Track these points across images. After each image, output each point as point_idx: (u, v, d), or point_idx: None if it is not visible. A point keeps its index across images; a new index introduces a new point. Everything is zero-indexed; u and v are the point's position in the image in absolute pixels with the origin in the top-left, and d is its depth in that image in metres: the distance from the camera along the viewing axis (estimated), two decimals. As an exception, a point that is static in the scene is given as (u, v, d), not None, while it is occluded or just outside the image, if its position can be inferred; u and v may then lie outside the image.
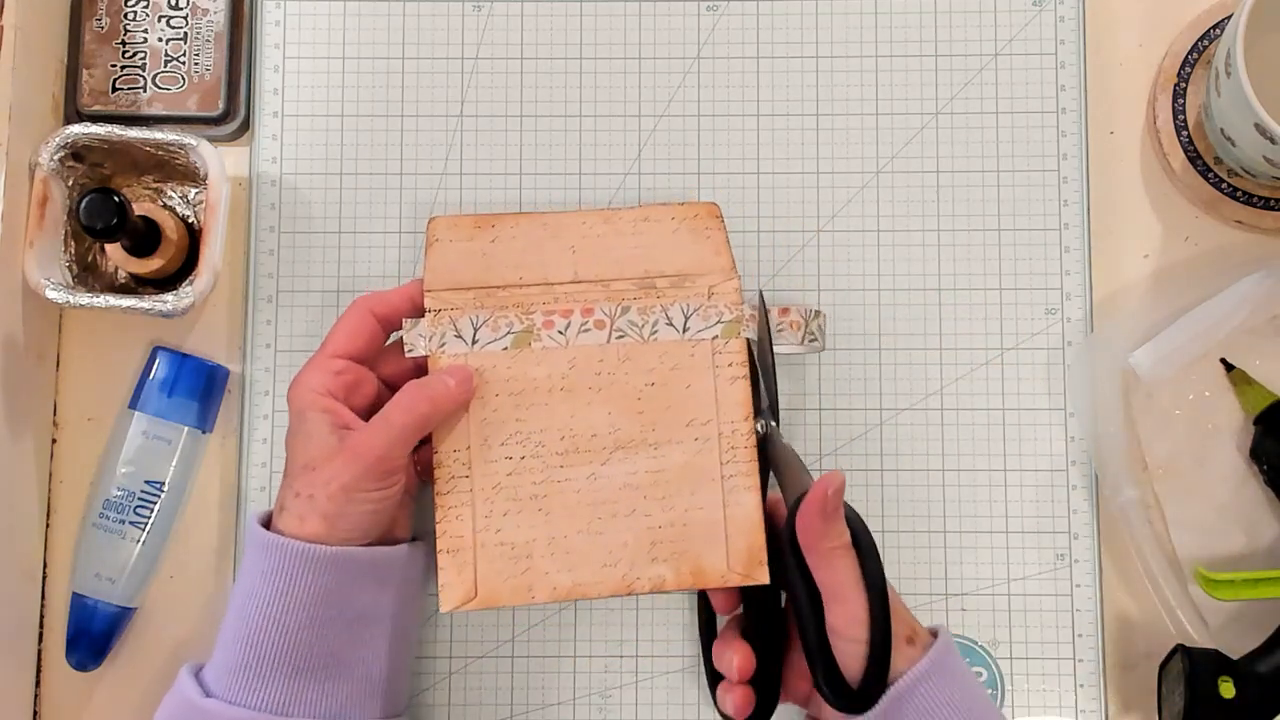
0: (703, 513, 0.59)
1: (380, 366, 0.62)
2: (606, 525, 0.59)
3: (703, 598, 0.64)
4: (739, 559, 0.59)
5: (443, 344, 0.60)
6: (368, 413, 0.59)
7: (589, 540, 0.59)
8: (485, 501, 0.59)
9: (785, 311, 0.64)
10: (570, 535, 0.59)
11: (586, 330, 0.60)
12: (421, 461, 0.62)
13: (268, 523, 0.58)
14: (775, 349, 0.64)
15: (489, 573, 0.59)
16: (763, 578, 0.58)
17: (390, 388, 0.61)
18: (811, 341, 0.65)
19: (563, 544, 0.59)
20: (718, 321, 0.60)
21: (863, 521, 0.57)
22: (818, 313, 0.65)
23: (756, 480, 0.59)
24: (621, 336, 0.60)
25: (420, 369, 0.61)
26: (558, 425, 0.60)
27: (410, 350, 0.60)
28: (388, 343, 0.63)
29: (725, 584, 0.59)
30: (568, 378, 0.60)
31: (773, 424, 0.62)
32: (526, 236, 0.62)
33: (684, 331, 0.60)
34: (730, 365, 0.60)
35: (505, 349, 0.60)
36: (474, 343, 0.60)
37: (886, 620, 0.54)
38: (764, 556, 0.59)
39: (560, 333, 0.60)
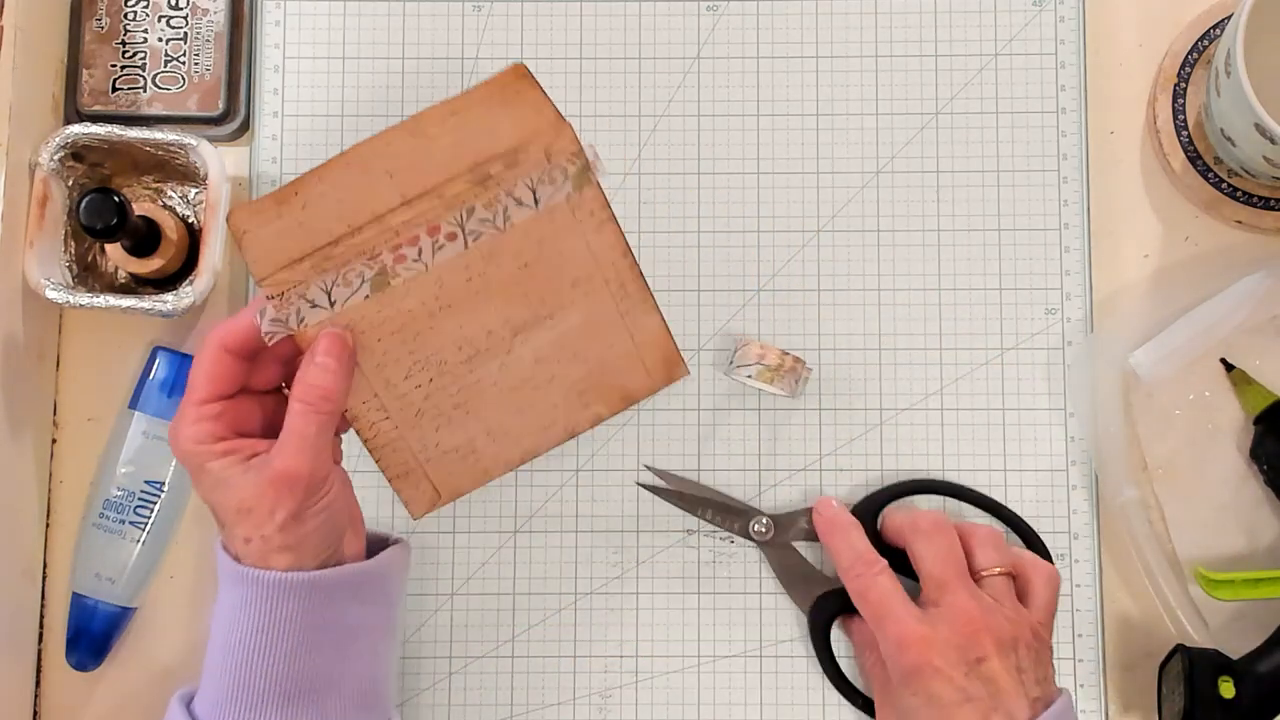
0: (613, 349, 0.62)
1: (257, 379, 0.58)
2: (532, 398, 0.62)
3: (815, 608, 0.67)
4: (657, 368, 0.64)
5: (302, 319, 0.57)
6: (264, 427, 0.57)
7: (521, 416, 0.62)
8: (413, 430, 0.61)
9: (764, 354, 0.66)
10: (503, 420, 0.62)
11: (441, 248, 0.58)
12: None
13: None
14: (743, 379, 0.66)
15: (442, 475, 0.63)
16: (683, 373, 0.65)
17: (279, 393, 0.59)
18: (780, 384, 0.66)
19: (499, 429, 0.62)
20: (565, 179, 0.58)
21: None
22: (800, 363, 0.66)
23: (651, 300, 0.62)
24: (477, 237, 0.58)
25: (296, 353, 0.58)
26: (451, 340, 0.60)
27: (272, 338, 0.56)
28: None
29: (652, 391, 0.64)
30: (441, 296, 0.59)
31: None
32: (337, 184, 0.58)
33: (537, 205, 0.58)
34: (592, 214, 0.59)
35: (367, 297, 0.58)
36: (333, 304, 0.57)
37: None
38: (679, 356, 0.64)
39: (415, 260, 0.58)
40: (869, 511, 0.66)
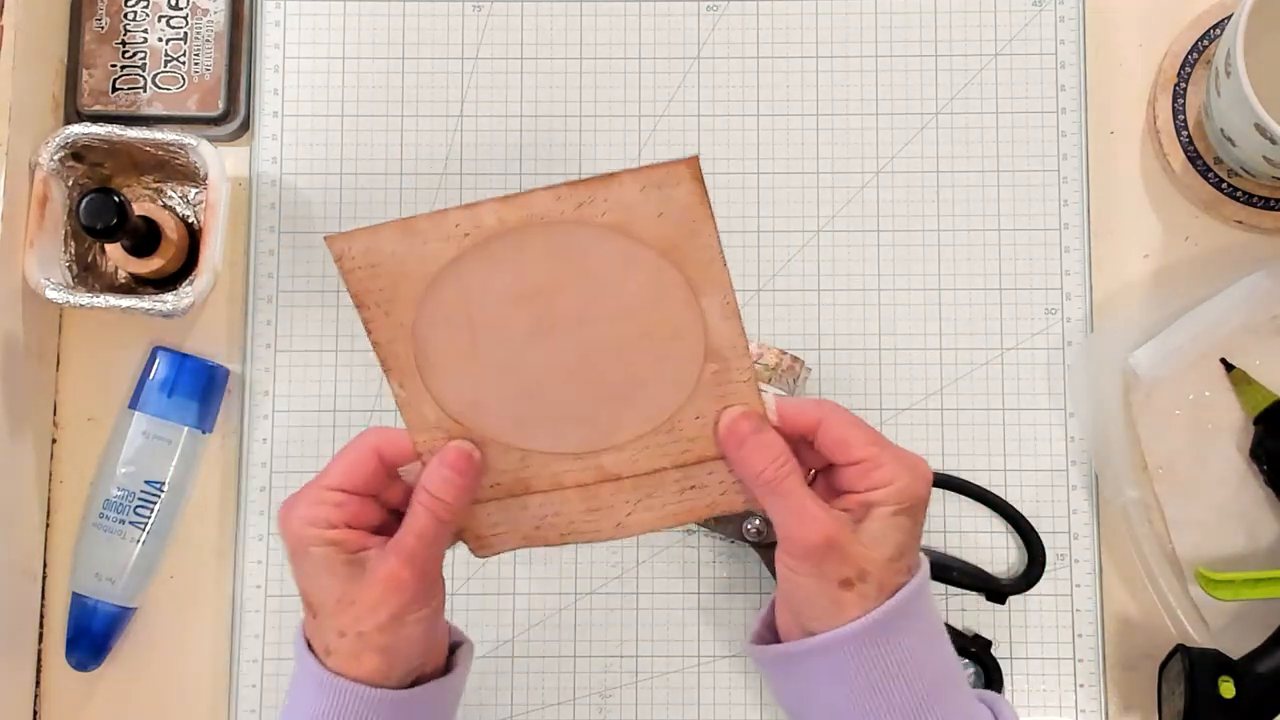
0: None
1: (389, 493, 0.55)
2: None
3: None
4: None
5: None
6: (378, 532, 0.54)
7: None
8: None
9: (762, 353, 0.65)
10: None
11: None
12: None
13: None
14: None
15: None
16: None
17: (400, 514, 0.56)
18: (779, 383, 0.65)
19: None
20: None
21: None
22: (799, 362, 0.65)
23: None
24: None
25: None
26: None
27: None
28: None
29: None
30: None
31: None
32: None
33: None
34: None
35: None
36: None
37: None
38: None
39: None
40: None
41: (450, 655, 0.56)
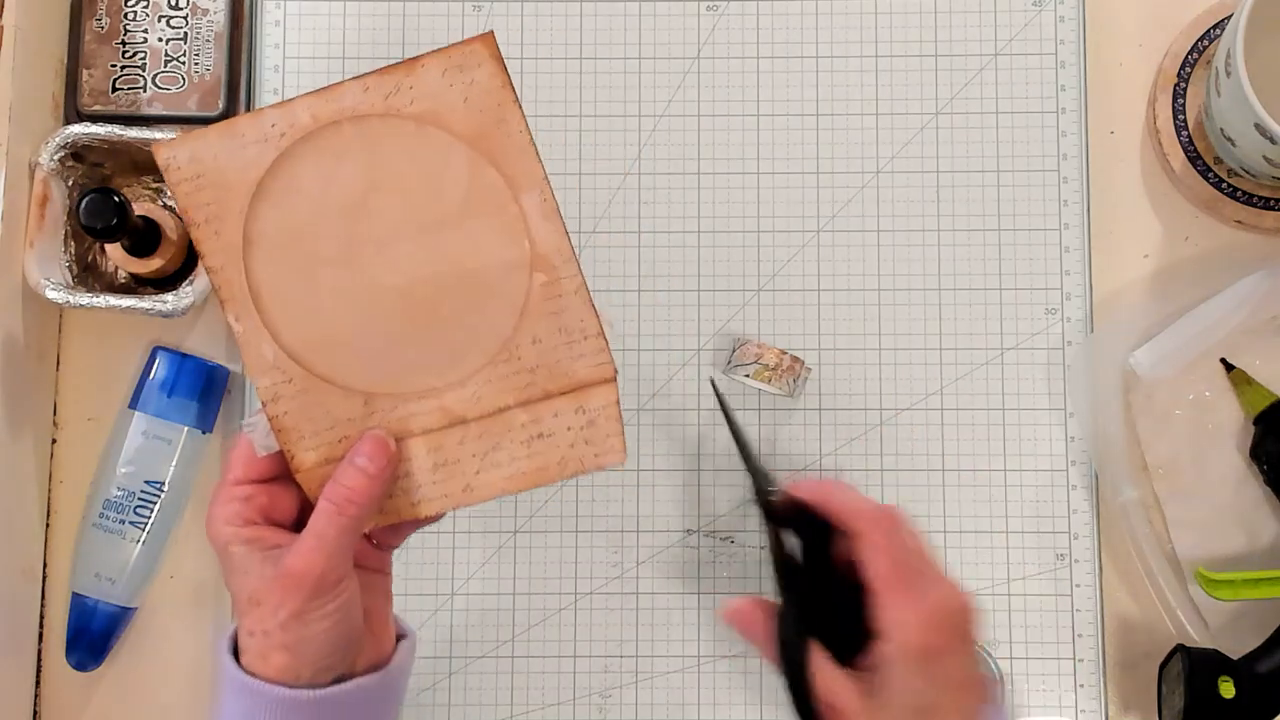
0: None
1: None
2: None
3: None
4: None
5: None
6: (299, 520, 0.54)
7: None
8: None
9: (762, 353, 0.64)
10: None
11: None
12: (375, 535, 0.56)
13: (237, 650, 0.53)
14: (741, 379, 0.64)
15: None
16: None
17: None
18: (778, 383, 0.65)
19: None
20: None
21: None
22: (799, 362, 0.65)
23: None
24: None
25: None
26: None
27: (265, 451, 0.52)
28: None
29: None
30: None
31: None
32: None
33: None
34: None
35: None
36: None
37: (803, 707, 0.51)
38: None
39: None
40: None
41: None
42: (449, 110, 0.49)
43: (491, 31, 0.48)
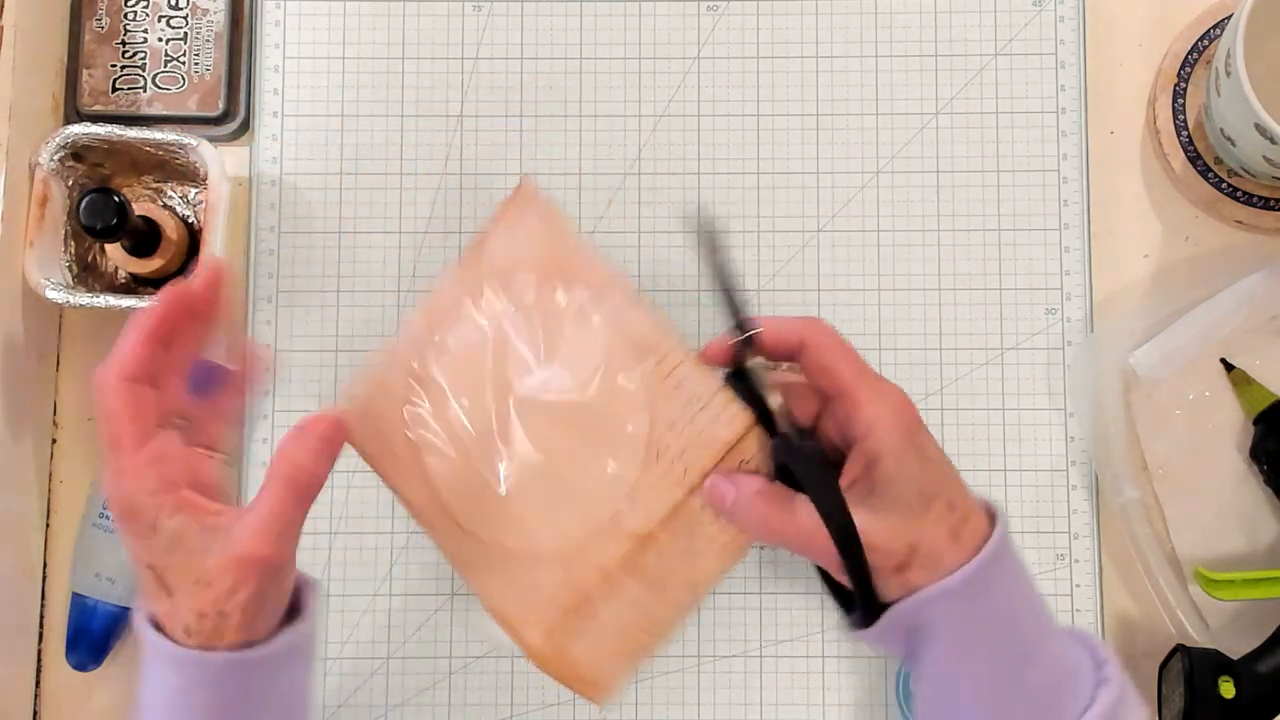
0: None
1: (166, 404, 0.51)
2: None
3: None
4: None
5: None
6: (195, 481, 0.50)
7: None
8: None
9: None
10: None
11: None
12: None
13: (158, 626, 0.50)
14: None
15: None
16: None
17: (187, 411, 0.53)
18: None
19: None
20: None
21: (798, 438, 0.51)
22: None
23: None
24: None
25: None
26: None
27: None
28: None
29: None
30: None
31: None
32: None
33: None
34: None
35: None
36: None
37: (856, 548, 0.49)
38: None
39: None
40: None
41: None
42: (526, 261, 0.54)
43: (526, 179, 0.53)
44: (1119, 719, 0.49)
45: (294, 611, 0.52)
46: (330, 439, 0.50)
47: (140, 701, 0.50)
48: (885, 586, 0.50)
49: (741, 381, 0.53)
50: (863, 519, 0.49)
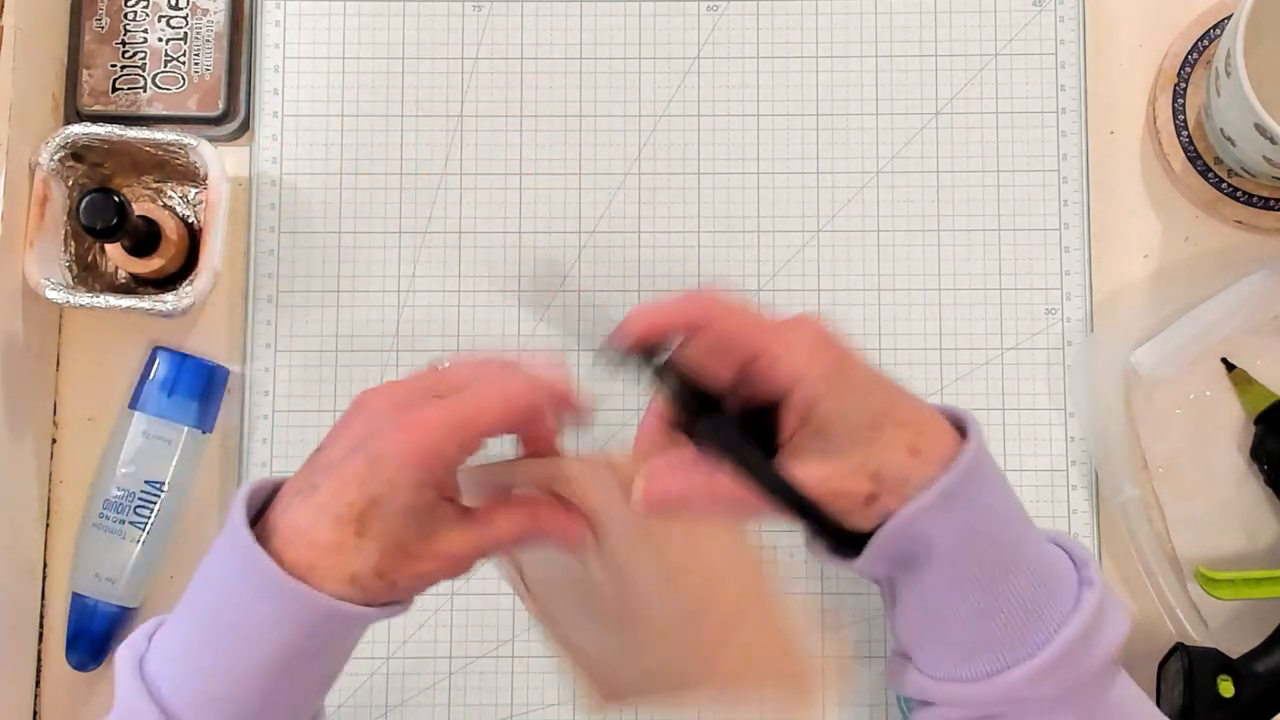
0: None
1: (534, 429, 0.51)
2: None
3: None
4: None
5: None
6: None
7: None
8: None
9: None
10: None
11: None
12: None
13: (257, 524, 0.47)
14: None
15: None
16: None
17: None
18: None
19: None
20: None
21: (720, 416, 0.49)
22: None
23: None
24: None
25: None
26: None
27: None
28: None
29: None
30: None
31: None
32: None
33: None
34: None
35: None
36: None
37: (800, 503, 0.47)
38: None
39: None
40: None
41: None
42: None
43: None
44: (1103, 617, 0.48)
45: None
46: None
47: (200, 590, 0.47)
48: (863, 520, 0.47)
49: (659, 375, 0.50)
50: (815, 467, 0.47)
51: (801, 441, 0.48)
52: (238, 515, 0.46)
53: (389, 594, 0.47)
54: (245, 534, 0.46)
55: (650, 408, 0.53)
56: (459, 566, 0.48)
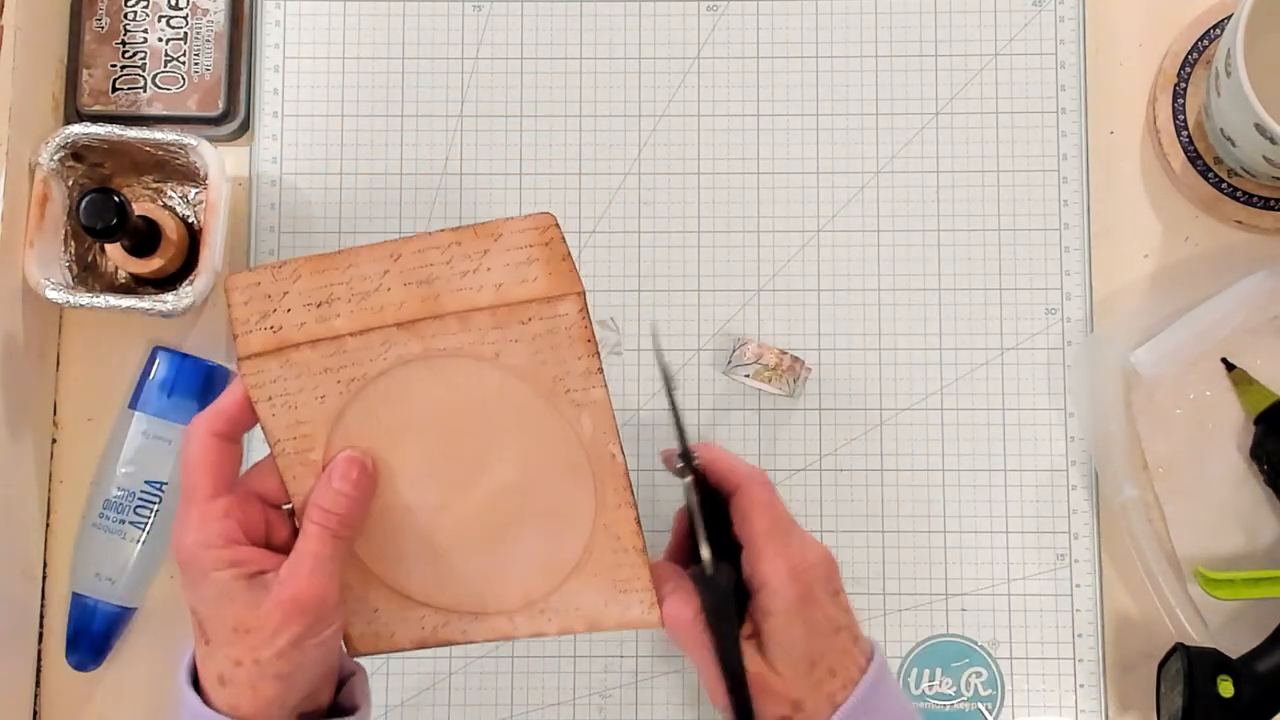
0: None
1: (254, 482, 0.52)
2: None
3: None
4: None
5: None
6: (267, 538, 0.52)
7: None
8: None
9: (762, 353, 0.65)
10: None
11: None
12: None
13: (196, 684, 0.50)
14: (741, 379, 0.65)
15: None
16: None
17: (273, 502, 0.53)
18: (778, 383, 0.65)
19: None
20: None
21: (715, 582, 0.53)
22: (799, 362, 0.66)
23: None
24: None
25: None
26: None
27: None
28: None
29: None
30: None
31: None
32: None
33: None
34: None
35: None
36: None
37: (741, 692, 0.51)
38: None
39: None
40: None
41: (342, 688, 0.54)
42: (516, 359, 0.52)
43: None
44: None
45: (338, 704, 0.53)
46: (357, 482, 0.51)
47: None
48: None
49: (695, 488, 0.55)
50: (755, 666, 0.51)
51: (753, 639, 0.52)
52: (191, 698, 0.50)
53: (269, 677, 0.49)
54: (207, 712, 0.49)
55: (679, 515, 0.59)
56: (299, 610, 0.49)
